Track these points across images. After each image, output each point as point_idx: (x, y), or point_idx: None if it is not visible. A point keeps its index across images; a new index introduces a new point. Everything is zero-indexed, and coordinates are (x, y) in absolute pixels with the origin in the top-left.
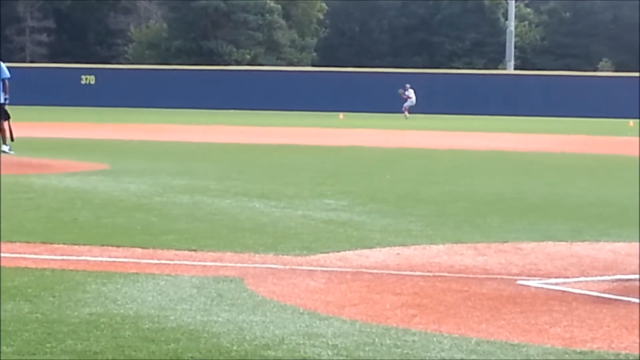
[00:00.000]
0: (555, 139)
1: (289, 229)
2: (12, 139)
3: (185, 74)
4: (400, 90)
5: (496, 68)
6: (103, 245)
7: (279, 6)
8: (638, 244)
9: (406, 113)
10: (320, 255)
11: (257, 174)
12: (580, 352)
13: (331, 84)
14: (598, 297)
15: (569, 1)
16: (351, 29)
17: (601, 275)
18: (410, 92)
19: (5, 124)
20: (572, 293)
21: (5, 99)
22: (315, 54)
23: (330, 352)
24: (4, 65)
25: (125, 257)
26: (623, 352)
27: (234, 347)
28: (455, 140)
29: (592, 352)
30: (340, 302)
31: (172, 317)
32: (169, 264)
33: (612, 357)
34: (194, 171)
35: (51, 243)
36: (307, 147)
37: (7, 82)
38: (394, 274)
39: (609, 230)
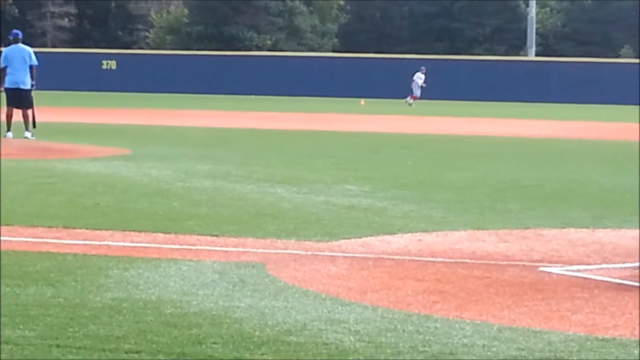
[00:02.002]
0: (576, 125)
1: (310, 215)
2: (34, 126)
3: (206, 59)
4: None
5: (517, 54)
6: (125, 230)
7: None
8: None
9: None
10: (342, 241)
11: (279, 160)
12: (602, 339)
13: (352, 70)
14: (620, 284)
15: None
16: (372, 15)
17: (623, 262)
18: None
19: (29, 110)
20: (594, 280)
21: (32, 85)
22: (336, 39)
23: (352, 338)
24: (32, 52)
25: (147, 242)
26: None
27: (256, 333)
28: (476, 127)
29: (614, 339)
30: (362, 288)
31: (194, 303)
32: (191, 249)
33: (634, 344)
34: (216, 157)
35: (73, 228)
36: (328, 133)
37: (34, 69)
38: (416, 260)
39: (631, 216)
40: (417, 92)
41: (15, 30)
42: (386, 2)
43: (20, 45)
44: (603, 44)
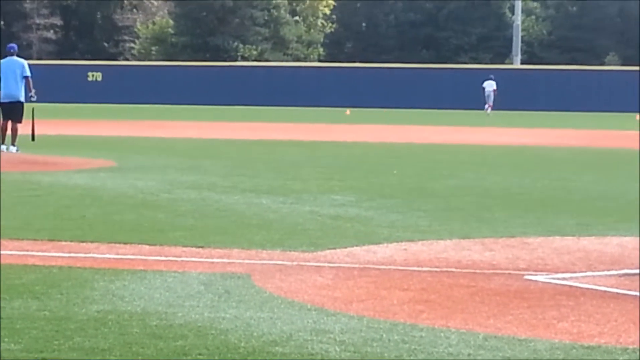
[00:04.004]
0: (562, 133)
1: (296, 225)
2: (13, 141)
3: (192, 70)
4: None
5: (503, 62)
6: (110, 242)
7: (285, 1)
8: None
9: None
10: (328, 251)
11: (264, 170)
12: (588, 347)
13: (338, 80)
14: (605, 291)
15: None
16: (358, 24)
17: (608, 270)
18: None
19: (18, 124)
20: (580, 288)
21: (32, 97)
22: (322, 49)
23: (337, 348)
24: (26, 63)
25: (133, 254)
26: (630, 346)
27: (242, 344)
28: (461, 135)
29: (599, 346)
30: (348, 298)
31: (179, 314)
32: (177, 261)
33: (620, 352)
34: (201, 167)
35: (59, 240)
36: (314, 143)
37: (30, 80)
38: (402, 270)
39: (615, 224)
40: (490, 100)
41: (10, 44)
42: (372, 11)
43: (14, 58)
44: (588, 51)
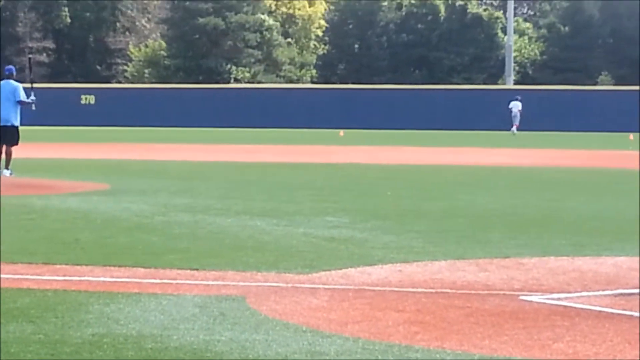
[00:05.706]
0: (555, 153)
1: (290, 247)
2: (7, 166)
3: (184, 92)
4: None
5: (496, 83)
6: (105, 265)
7: (278, 24)
8: (639, 258)
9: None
10: (322, 273)
11: (258, 192)
12: None
13: (331, 101)
14: (601, 311)
15: (568, 14)
16: (350, 46)
17: (603, 290)
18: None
19: (5, 147)
20: (575, 308)
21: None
22: (314, 71)
23: None
24: (20, 87)
25: (128, 277)
26: None
27: None
28: (455, 156)
29: None
30: (343, 319)
31: (175, 337)
32: (171, 284)
33: None
34: (195, 190)
35: (53, 264)
36: (307, 165)
37: (22, 103)
38: (396, 291)
39: (610, 244)
40: (516, 120)
41: (7, 66)
42: (364, 33)
43: (9, 81)
44: (581, 71)
